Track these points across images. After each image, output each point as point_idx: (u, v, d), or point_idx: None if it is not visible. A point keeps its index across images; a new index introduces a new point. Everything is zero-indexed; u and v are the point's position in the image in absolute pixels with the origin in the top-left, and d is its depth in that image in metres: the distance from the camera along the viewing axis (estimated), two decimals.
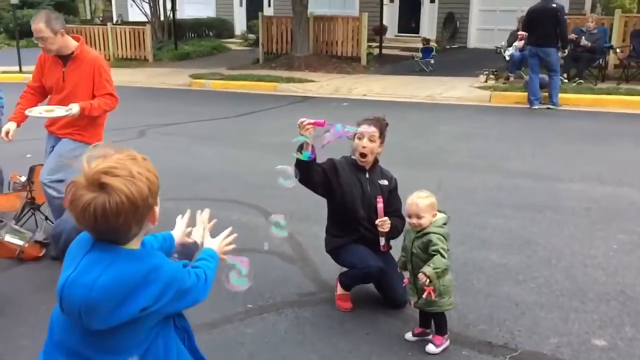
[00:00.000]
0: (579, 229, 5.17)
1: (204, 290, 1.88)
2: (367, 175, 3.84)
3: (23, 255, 4.57)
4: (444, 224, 3.42)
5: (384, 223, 3.69)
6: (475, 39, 19.71)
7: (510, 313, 3.80)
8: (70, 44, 4.36)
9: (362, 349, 3.45)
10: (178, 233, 2.23)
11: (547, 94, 10.83)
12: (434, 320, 3.48)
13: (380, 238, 3.76)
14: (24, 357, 3.40)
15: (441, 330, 3.45)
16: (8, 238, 4.72)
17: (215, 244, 2.14)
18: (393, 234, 3.81)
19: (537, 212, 5.59)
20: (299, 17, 15.69)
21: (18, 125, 4.51)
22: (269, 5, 23.55)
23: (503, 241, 4.94)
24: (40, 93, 4.61)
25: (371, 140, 3.76)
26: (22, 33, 23.50)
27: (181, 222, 2.27)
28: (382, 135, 3.82)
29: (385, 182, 3.88)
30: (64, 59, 4.38)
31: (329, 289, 4.10)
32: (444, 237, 3.36)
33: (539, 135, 8.85)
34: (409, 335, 3.54)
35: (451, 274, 3.44)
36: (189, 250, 2.27)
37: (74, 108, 4.22)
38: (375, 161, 3.90)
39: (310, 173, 3.59)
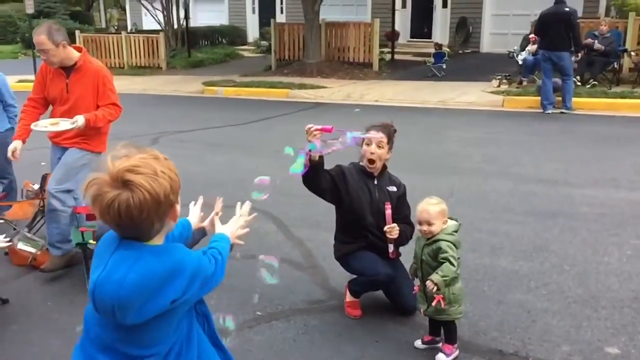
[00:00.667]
0: (592, 235, 5.10)
1: (222, 271, 1.94)
2: (375, 182, 3.83)
3: (35, 262, 4.60)
4: (455, 231, 3.38)
5: (392, 229, 3.67)
6: (488, 44, 19.67)
7: (521, 320, 3.76)
8: (73, 55, 4.32)
9: (371, 356, 3.43)
10: (194, 219, 2.30)
11: (560, 98, 10.74)
12: (443, 329, 3.45)
13: (389, 245, 3.73)
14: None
15: (451, 339, 3.42)
16: (21, 245, 4.77)
17: (230, 230, 2.19)
18: (402, 240, 3.79)
19: (550, 218, 5.54)
20: (311, 23, 15.73)
21: (24, 142, 4.48)
22: (282, 12, 23.69)
23: (515, 247, 4.90)
24: (42, 105, 4.57)
25: (379, 147, 3.74)
26: None
27: (195, 209, 2.34)
28: (390, 142, 3.80)
29: (394, 189, 3.86)
30: (67, 70, 4.34)
31: (339, 296, 4.08)
32: (454, 244, 3.32)
33: (552, 140, 8.77)
34: (418, 343, 3.51)
35: (462, 282, 3.41)
36: (196, 236, 2.35)
37: (79, 120, 4.19)
38: (384, 167, 3.88)
39: (316, 179, 3.58)
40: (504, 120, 10.41)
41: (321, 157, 3.52)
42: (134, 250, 1.72)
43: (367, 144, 3.76)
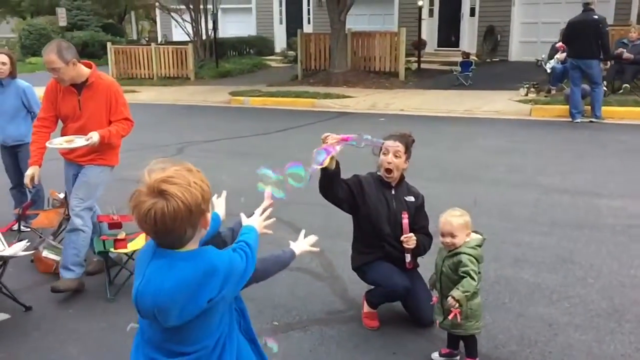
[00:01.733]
0: (619, 247, 4.98)
1: (253, 263, 2.05)
2: (393, 192, 3.81)
3: (58, 270, 4.67)
4: (478, 245, 3.31)
5: (409, 239, 3.64)
6: (516, 52, 19.47)
7: (542, 334, 3.68)
8: (83, 72, 4.29)
9: None
10: (221, 212, 2.40)
11: (590, 106, 10.55)
12: (464, 343, 3.39)
13: (406, 255, 3.70)
14: None
15: (472, 353, 3.37)
16: (46, 253, 4.86)
17: (255, 222, 2.31)
18: (419, 251, 3.76)
19: (575, 229, 5.43)
20: (337, 33, 15.78)
21: (40, 166, 4.49)
22: (309, 23, 23.83)
23: (538, 259, 4.81)
24: (53, 123, 4.52)
25: (396, 156, 3.72)
26: None
27: (220, 201, 2.45)
28: (407, 151, 3.78)
29: (412, 199, 3.83)
30: (78, 87, 4.32)
31: (357, 306, 4.06)
32: (475, 259, 3.25)
33: (580, 149, 8.62)
34: (435, 355, 3.47)
35: (481, 297, 3.34)
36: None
37: (94, 137, 4.20)
38: (402, 177, 3.86)
39: (333, 188, 3.58)
40: (531, 129, 10.27)
41: (337, 166, 3.51)
42: (167, 258, 1.84)
43: (384, 154, 3.74)
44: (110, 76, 4.60)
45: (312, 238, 2.58)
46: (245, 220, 2.33)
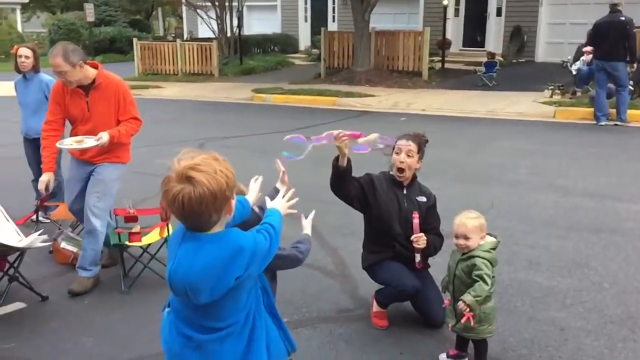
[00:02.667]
0: (637, 252, 4.90)
1: (277, 243, 2.18)
2: (404, 192, 3.79)
3: (76, 261, 4.75)
4: (492, 248, 3.27)
5: (419, 239, 3.62)
6: (543, 53, 19.20)
7: (553, 338, 3.64)
8: (90, 73, 4.27)
9: None
10: (252, 197, 2.47)
11: (615, 110, 10.38)
12: (474, 346, 3.36)
13: (416, 254, 3.69)
14: None
15: (481, 356, 3.34)
16: (64, 245, 4.95)
17: (278, 204, 2.40)
18: (429, 251, 3.74)
19: (593, 233, 5.35)
20: (361, 32, 15.74)
21: (54, 172, 4.49)
22: (334, 21, 23.81)
23: (553, 263, 4.75)
24: (62, 125, 4.49)
25: (409, 156, 3.70)
26: (99, 49, 24.81)
27: (255, 186, 2.50)
28: (420, 151, 3.76)
29: (424, 199, 3.82)
30: (85, 88, 4.29)
31: (367, 305, 4.05)
32: (490, 262, 3.21)
33: (603, 152, 8.48)
34: (443, 357, 3.45)
35: (494, 301, 3.31)
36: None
37: (104, 137, 4.21)
38: (414, 177, 3.84)
39: (344, 185, 3.58)
40: (554, 131, 10.13)
41: (349, 163, 3.51)
42: (196, 241, 1.96)
43: (397, 153, 3.73)
44: (116, 75, 4.53)
45: (292, 198, 2.54)
46: (269, 203, 2.41)
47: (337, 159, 3.52)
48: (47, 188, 4.44)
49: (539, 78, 14.64)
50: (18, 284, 4.21)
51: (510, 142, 9.29)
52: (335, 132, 3.42)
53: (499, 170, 7.61)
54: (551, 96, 12.45)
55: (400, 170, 3.73)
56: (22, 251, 4.15)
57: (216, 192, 1.89)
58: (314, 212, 2.85)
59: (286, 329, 2.43)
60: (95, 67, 4.35)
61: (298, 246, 2.70)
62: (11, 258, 4.18)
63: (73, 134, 4.47)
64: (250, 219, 2.39)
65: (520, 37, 19.27)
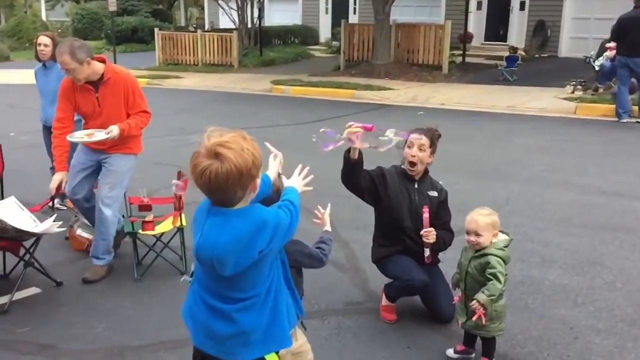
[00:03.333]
0: None
1: (297, 219, 2.23)
2: (415, 186, 3.78)
3: (90, 248, 4.82)
4: (505, 246, 3.24)
5: (428, 234, 3.62)
6: (566, 48, 18.95)
7: (562, 337, 3.62)
8: (98, 69, 4.26)
9: None
10: (272, 174, 2.48)
11: (637, 107, 10.20)
12: (482, 342, 3.34)
13: (425, 249, 3.68)
14: (78, 345, 3.59)
15: (489, 353, 3.32)
16: (79, 232, 5.02)
17: (295, 182, 2.46)
18: (439, 246, 3.73)
19: (609, 231, 5.29)
20: (381, 24, 15.66)
21: (67, 171, 4.45)
22: (354, 13, 23.71)
23: (566, 261, 4.71)
24: (72, 122, 4.46)
25: (421, 150, 3.69)
26: (121, 39, 24.99)
27: (274, 163, 2.50)
28: (433, 145, 3.75)
29: (435, 194, 3.80)
30: (94, 84, 4.29)
31: (376, 299, 4.05)
32: (503, 260, 3.19)
33: (623, 150, 8.36)
34: (450, 352, 3.44)
35: (505, 299, 3.29)
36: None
37: (114, 130, 4.23)
38: (426, 171, 3.83)
39: (355, 178, 3.58)
40: (574, 128, 10.01)
41: (360, 156, 3.51)
42: (222, 216, 2.03)
43: (409, 147, 3.72)
44: (124, 69, 4.54)
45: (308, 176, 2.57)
46: (286, 182, 2.47)
47: (348, 151, 3.52)
48: (60, 190, 4.40)
49: (562, 73, 14.45)
50: (35, 269, 4.29)
51: (529, 138, 9.20)
52: (348, 123, 3.41)
53: (516, 166, 7.55)
54: (573, 92, 12.29)
55: (412, 164, 3.72)
56: (37, 237, 4.21)
57: (242, 169, 1.95)
58: (329, 206, 2.88)
59: (298, 298, 2.56)
60: (103, 61, 4.35)
61: (322, 247, 2.76)
62: (27, 244, 4.25)
63: (85, 128, 4.48)
64: (271, 196, 2.44)
65: (543, 32, 19.04)
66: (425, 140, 3.71)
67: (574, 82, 12.46)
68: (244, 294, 2.11)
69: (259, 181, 2.08)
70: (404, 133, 3.67)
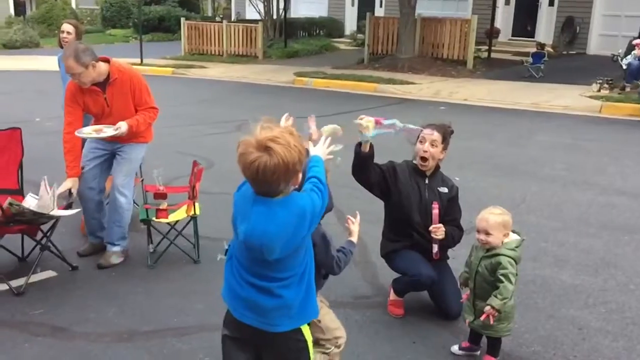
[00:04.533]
0: None
1: (326, 196, 2.33)
2: (426, 181, 3.78)
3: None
4: (517, 246, 3.21)
5: (437, 230, 3.61)
6: (595, 45, 18.62)
7: (570, 337, 3.59)
8: (103, 70, 4.27)
9: (404, 356, 3.41)
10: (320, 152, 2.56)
11: None
12: (488, 341, 3.34)
13: (433, 245, 3.67)
14: (89, 328, 3.68)
15: (494, 352, 3.32)
16: None
17: (319, 151, 2.52)
18: (448, 242, 3.73)
19: (626, 233, 5.22)
20: (406, 18, 15.56)
21: (78, 177, 4.41)
22: (381, 6, 23.56)
23: (580, 261, 4.66)
24: (81, 125, 4.43)
25: (433, 145, 3.68)
26: (148, 27, 25.22)
27: (287, 125, 2.57)
28: (445, 141, 3.73)
29: (445, 190, 3.79)
30: (101, 85, 4.31)
31: (385, 293, 4.07)
32: (514, 260, 3.16)
33: None
34: (455, 348, 3.44)
35: (514, 298, 3.26)
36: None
37: (123, 127, 4.28)
38: (437, 168, 3.82)
39: (365, 171, 3.59)
40: (598, 127, 9.85)
41: (371, 149, 3.52)
42: (267, 205, 2.14)
43: (421, 142, 3.72)
44: (129, 65, 4.54)
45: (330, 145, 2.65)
46: (312, 150, 2.51)
47: (359, 144, 3.53)
48: (71, 194, 4.35)
49: (589, 71, 14.23)
50: (52, 253, 4.38)
51: (551, 136, 9.09)
52: (360, 117, 3.44)
53: (536, 164, 7.47)
54: (599, 90, 12.09)
55: (424, 159, 3.71)
56: (55, 221, 4.30)
57: (289, 164, 2.05)
58: (359, 216, 2.93)
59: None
60: (107, 61, 4.35)
61: (339, 257, 2.75)
62: (45, 228, 4.34)
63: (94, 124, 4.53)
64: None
65: (572, 28, 18.72)
66: (437, 135, 3.69)
67: (600, 81, 12.26)
68: (285, 274, 2.25)
69: (300, 175, 2.21)
70: (416, 128, 3.68)
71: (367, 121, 3.39)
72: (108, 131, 4.33)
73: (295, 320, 2.34)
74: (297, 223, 2.16)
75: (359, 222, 2.92)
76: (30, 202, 4.27)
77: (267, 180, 2.07)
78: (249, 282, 2.28)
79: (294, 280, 2.29)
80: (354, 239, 2.88)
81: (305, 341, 2.39)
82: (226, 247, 2.42)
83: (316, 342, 2.83)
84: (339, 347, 3.02)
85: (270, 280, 2.26)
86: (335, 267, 2.74)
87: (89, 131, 4.38)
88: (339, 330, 3.05)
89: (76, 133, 4.33)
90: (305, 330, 2.39)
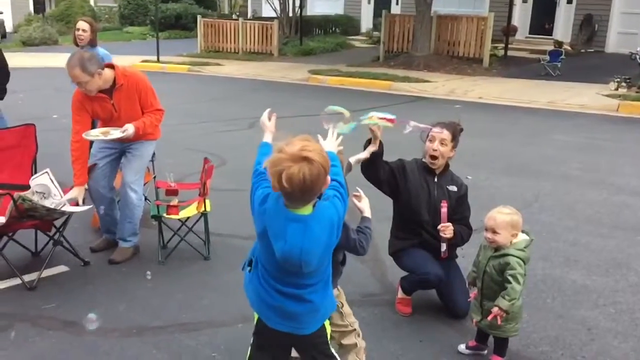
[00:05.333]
0: None
1: (347, 199, 2.43)
2: (435, 180, 3.77)
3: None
4: (526, 247, 3.18)
5: (446, 228, 3.61)
6: (614, 44, 18.38)
7: (578, 337, 3.57)
8: (109, 77, 4.29)
9: (410, 355, 3.41)
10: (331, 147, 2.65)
11: None
12: (495, 341, 3.32)
13: (442, 244, 3.67)
14: (98, 322, 3.71)
15: (501, 352, 3.31)
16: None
17: (331, 145, 2.60)
18: (456, 241, 3.71)
19: (639, 233, 5.15)
20: (422, 16, 15.50)
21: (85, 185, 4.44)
22: (397, 4, 23.47)
23: (591, 261, 4.62)
24: (88, 130, 4.45)
25: (442, 144, 3.67)
26: (165, 25, 25.38)
27: (271, 124, 2.74)
28: (454, 140, 3.72)
29: (454, 188, 3.78)
30: (107, 91, 4.34)
31: (393, 291, 4.07)
32: (523, 261, 3.14)
33: None
34: (462, 347, 3.44)
35: (522, 298, 3.23)
36: None
37: (130, 129, 4.31)
38: (447, 166, 3.81)
39: (374, 168, 3.59)
40: (615, 126, 9.74)
41: (381, 146, 3.51)
42: (302, 222, 2.22)
43: (430, 141, 3.71)
44: (133, 69, 4.56)
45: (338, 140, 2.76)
46: (322, 144, 2.55)
47: (369, 141, 3.53)
48: (78, 204, 4.34)
49: (607, 69, 14.08)
50: (65, 249, 4.44)
51: (567, 135, 9.01)
52: (370, 114, 3.44)
53: (550, 163, 7.41)
54: (616, 89, 11.96)
55: (433, 157, 3.70)
56: (67, 217, 4.36)
57: (325, 168, 2.17)
58: (361, 191, 2.95)
59: None
60: (111, 66, 4.36)
61: (360, 239, 2.76)
62: (58, 223, 4.40)
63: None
64: None
65: (590, 26, 18.50)
66: (446, 134, 3.68)
67: (618, 79, 12.12)
68: (314, 279, 2.36)
69: (329, 178, 2.28)
70: (426, 126, 3.68)
71: (377, 119, 3.40)
72: (115, 133, 4.36)
73: (321, 319, 2.48)
74: (329, 234, 2.26)
75: (364, 196, 2.94)
76: (41, 180, 4.29)
77: (312, 187, 2.15)
78: (279, 291, 2.37)
79: (321, 284, 2.40)
80: (367, 214, 2.89)
81: (326, 335, 2.55)
82: (250, 257, 2.50)
83: (334, 326, 2.94)
84: (358, 334, 3.09)
85: (301, 288, 2.35)
86: (360, 249, 2.77)
87: (96, 134, 4.41)
88: (352, 316, 3.12)
89: (83, 135, 4.35)
90: (327, 324, 2.55)
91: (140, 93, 4.43)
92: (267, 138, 2.68)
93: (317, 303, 2.40)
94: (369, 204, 2.90)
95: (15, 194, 3.96)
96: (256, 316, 2.53)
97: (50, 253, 4.31)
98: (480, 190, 6.09)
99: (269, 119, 2.82)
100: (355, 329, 3.06)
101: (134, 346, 3.48)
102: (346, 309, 3.09)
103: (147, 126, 4.46)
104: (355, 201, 2.89)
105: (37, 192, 4.19)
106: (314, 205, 2.26)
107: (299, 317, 2.39)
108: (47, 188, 4.26)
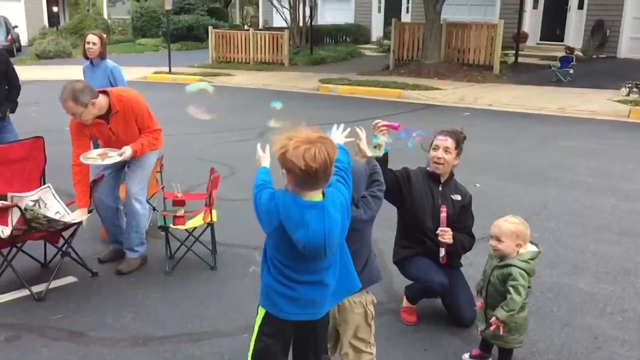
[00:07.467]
0: None
1: (350, 180, 2.54)
2: (440, 188, 3.77)
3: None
4: (531, 258, 3.16)
5: (444, 233, 3.60)
6: (626, 49, 18.29)
7: (584, 346, 3.54)
8: (103, 104, 4.28)
9: None
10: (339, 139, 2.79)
11: None
12: (499, 350, 3.30)
13: (440, 248, 3.66)
14: (105, 332, 3.75)
15: None
16: None
17: (339, 139, 2.74)
18: (456, 248, 3.71)
19: None
20: (432, 24, 15.51)
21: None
22: (407, 12, 23.52)
23: (599, 269, 4.59)
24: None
25: (446, 152, 3.68)
26: (177, 36, 25.60)
27: (266, 155, 2.71)
28: (458, 147, 3.72)
29: (459, 197, 3.78)
30: (104, 116, 4.35)
31: (398, 300, 4.06)
32: (527, 272, 3.12)
33: None
34: (465, 356, 3.43)
35: (527, 309, 3.22)
36: None
37: (127, 152, 4.35)
38: (451, 175, 3.81)
39: None
40: (626, 132, 9.67)
41: (385, 155, 3.53)
42: (318, 208, 2.28)
43: (434, 149, 3.72)
44: (128, 92, 4.55)
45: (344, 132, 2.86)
46: (335, 138, 2.63)
47: (375, 147, 3.54)
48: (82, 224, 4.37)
49: (619, 75, 13.97)
50: (73, 260, 4.48)
51: (576, 141, 8.96)
52: (375, 121, 3.49)
53: (559, 170, 7.37)
54: (628, 94, 11.87)
55: (437, 166, 3.71)
56: (75, 228, 4.41)
57: (335, 152, 2.26)
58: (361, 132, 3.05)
59: None
60: (105, 92, 4.36)
61: (364, 202, 2.84)
62: (66, 235, 4.45)
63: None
64: None
65: (602, 32, 18.42)
66: (450, 142, 3.69)
67: (629, 85, 12.03)
68: (328, 262, 2.43)
69: (333, 166, 2.34)
70: (430, 134, 3.69)
71: (382, 125, 3.45)
72: (113, 155, 4.39)
73: (334, 300, 2.58)
74: (342, 215, 2.35)
75: (364, 136, 3.07)
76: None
77: (331, 166, 2.24)
78: (299, 282, 2.42)
79: (334, 266, 2.47)
80: (369, 153, 3.01)
81: (328, 320, 2.67)
82: (258, 258, 2.53)
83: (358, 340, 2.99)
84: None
85: (317, 272, 2.41)
86: (363, 215, 2.80)
87: (94, 156, 4.42)
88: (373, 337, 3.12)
89: (81, 158, 4.34)
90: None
91: (136, 117, 4.45)
92: (265, 164, 2.66)
93: (332, 285, 2.47)
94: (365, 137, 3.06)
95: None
96: (259, 317, 2.55)
97: (59, 264, 4.36)
98: (489, 197, 6.08)
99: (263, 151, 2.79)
100: (372, 354, 3.02)
101: (140, 356, 3.50)
102: (373, 326, 3.05)
103: (145, 147, 4.50)
104: (359, 142, 3.01)
105: (33, 200, 4.26)
106: (322, 193, 2.34)
107: (317, 302, 2.46)
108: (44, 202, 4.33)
